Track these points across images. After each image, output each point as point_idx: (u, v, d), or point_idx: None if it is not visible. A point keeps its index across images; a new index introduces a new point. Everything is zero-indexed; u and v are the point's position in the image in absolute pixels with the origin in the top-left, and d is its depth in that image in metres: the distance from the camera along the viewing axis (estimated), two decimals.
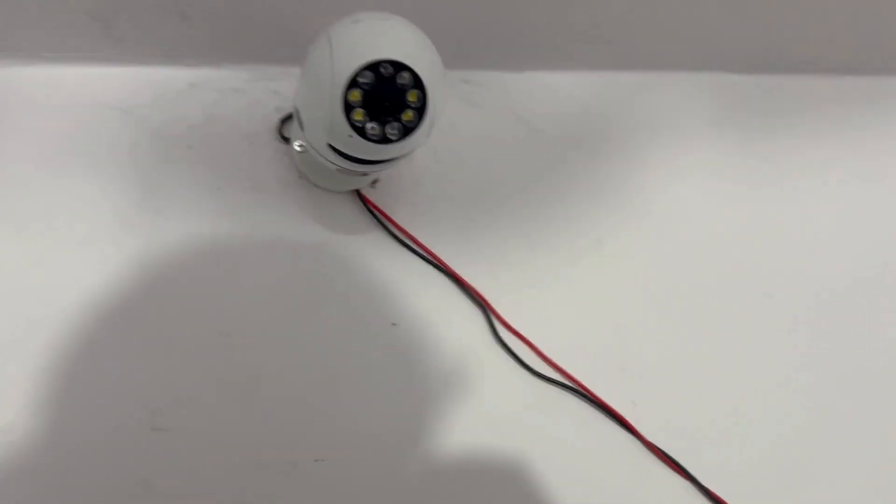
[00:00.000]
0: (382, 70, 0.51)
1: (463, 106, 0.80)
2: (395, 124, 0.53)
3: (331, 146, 0.56)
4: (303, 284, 0.71)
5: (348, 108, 0.52)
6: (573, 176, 0.80)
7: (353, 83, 0.51)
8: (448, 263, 0.74)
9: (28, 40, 0.67)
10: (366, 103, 0.52)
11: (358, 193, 0.74)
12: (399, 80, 0.52)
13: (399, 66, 0.51)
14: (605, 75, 0.83)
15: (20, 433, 0.60)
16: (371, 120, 0.53)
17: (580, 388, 0.74)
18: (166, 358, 0.66)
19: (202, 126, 0.72)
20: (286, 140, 0.73)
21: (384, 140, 0.54)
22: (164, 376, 0.65)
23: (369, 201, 0.74)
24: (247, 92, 0.74)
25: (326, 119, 0.53)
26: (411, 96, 0.53)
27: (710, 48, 0.83)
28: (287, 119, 0.74)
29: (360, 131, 0.53)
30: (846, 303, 0.83)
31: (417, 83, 0.52)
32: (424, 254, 0.75)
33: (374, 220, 0.74)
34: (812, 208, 0.85)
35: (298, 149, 0.67)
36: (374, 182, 0.74)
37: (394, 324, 0.72)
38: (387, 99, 0.52)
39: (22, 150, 0.68)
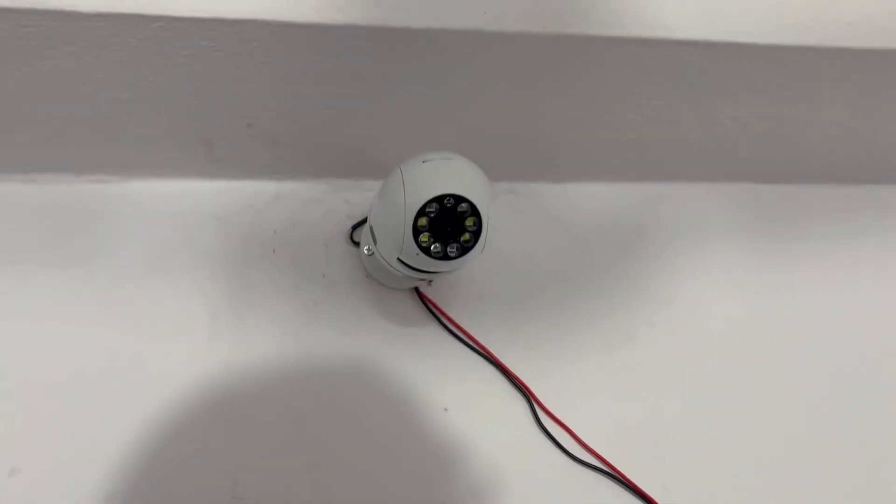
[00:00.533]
0: (446, 202, 0.62)
1: (509, 213, 0.90)
2: (455, 245, 0.64)
3: (400, 260, 0.66)
4: (367, 371, 0.80)
5: (417, 231, 0.63)
6: (608, 276, 0.89)
7: (421, 212, 0.62)
8: (494, 353, 0.83)
9: (144, 160, 0.80)
10: (431, 228, 0.63)
11: (416, 290, 0.84)
12: (459, 209, 0.63)
13: (459, 199, 0.62)
14: (636, 186, 0.93)
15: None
16: (435, 241, 0.63)
17: (615, 473, 0.81)
18: (247, 441, 0.75)
19: (285, 231, 0.83)
20: (356, 244, 0.84)
21: (445, 257, 0.64)
22: (245, 456, 0.74)
23: (426, 297, 0.84)
24: (324, 202, 0.85)
25: (398, 239, 0.64)
26: (469, 222, 0.63)
27: (728, 162, 0.92)
28: (357, 226, 0.85)
29: (426, 251, 0.63)
30: (861, 391, 0.89)
31: (474, 212, 0.63)
32: (473, 344, 0.84)
33: (430, 314, 0.84)
34: (823, 304, 0.93)
35: (367, 252, 0.78)
36: (430, 280, 0.84)
37: (446, 409, 0.80)
38: (449, 224, 0.63)
39: (133, 252, 0.80)
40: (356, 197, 0.86)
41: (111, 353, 0.75)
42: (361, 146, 0.81)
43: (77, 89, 0.69)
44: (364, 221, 0.85)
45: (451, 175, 0.63)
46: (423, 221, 0.62)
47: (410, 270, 0.68)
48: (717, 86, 0.77)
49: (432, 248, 0.63)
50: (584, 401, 0.83)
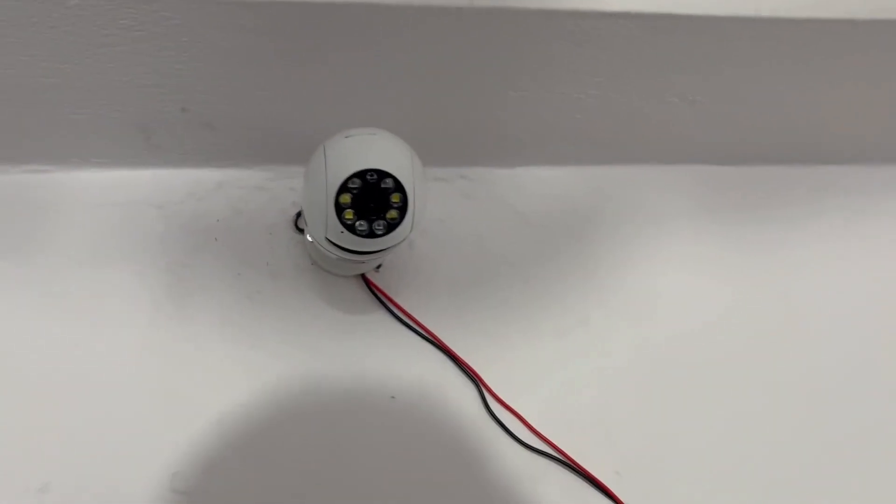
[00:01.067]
0: (368, 177, 0.60)
1: (460, 198, 0.89)
2: (381, 222, 0.62)
3: (328, 239, 0.65)
4: (313, 361, 0.78)
5: (340, 208, 0.61)
6: (560, 260, 0.88)
7: (343, 188, 0.61)
8: (443, 340, 0.81)
9: (81, 149, 0.79)
10: (355, 204, 0.61)
11: (363, 277, 0.82)
12: (383, 185, 0.61)
13: (383, 174, 0.61)
14: (590, 170, 0.91)
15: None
16: (360, 218, 0.62)
17: (566, 459, 0.79)
18: (188, 430, 0.73)
19: (228, 219, 0.82)
20: (301, 231, 0.83)
21: (371, 235, 0.62)
22: (187, 448, 0.72)
23: (373, 284, 0.82)
24: (267, 189, 0.84)
25: (322, 217, 0.62)
26: (394, 198, 0.62)
27: (679, 143, 0.91)
28: (301, 213, 0.83)
29: (351, 228, 0.62)
30: (825, 378, 0.87)
31: (398, 187, 0.61)
32: (422, 331, 0.82)
33: (378, 302, 0.82)
34: (788, 291, 0.91)
35: (310, 239, 0.77)
36: (378, 267, 0.82)
37: (393, 397, 0.79)
38: (373, 200, 0.61)
39: (71, 241, 0.78)
40: (301, 185, 0.84)
41: (51, 345, 0.74)
42: (302, 131, 0.80)
43: (2, 73, 0.68)
44: None
45: (375, 150, 0.62)
46: (345, 198, 0.61)
47: (341, 251, 0.66)
48: (658, 61, 0.76)
49: (357, 224, 0.62)
50: (536, 387, 0.82)
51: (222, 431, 0.74)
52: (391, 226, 0.62)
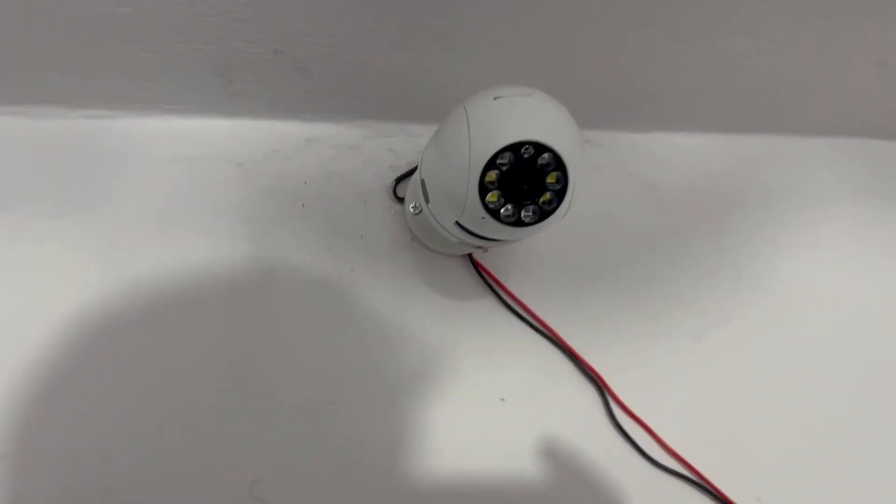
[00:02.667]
0: (524, 152, 0.48)
1: (584, 167, 0.75)
2: (532, 207, 0.49)
3: (459, 224, 0.53)
4: (411, 351, 0.67)
5: (483, 189, 0.49)
6: (698, 245, 0.75)
7: (490, 164, 0.48)
8: (561, 335, 0.70)
9: (149, 92, 0.67)
10: (502, 185, 0.49)
11: (470, 257, 0.70)
12: (540, 162, 0.48)
13: (541, 148, 0.48)
14: (739, 139, 0.77)
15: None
16: (507, 202, 0.49)
17: (701, 481, 0.68)
18: (272, 424, 0.63)
19: (316, 183, 0.70)
20: (400, 200, 0.71)
21: (518, 223, 0.50)
22: (266, 445, 0.63)
23: (481, 266, 0.71)
24: (363, 149, 0.72)
25: (459, 199, 0.50)
26: (551, 178, 0.49)
27: (855, 113, 0.76)
28: (402, 179, 0.71)
29: (495, 214, 0.49)
30: None
31: (559, 165, 0.48)
32: (536, 323, 0.71)
33: (485, 286, 0.71)
34: None
35: (413, 211, 0.65)
36: (487, 247, 0.70)
37: (503, 399, 0.68)
38: (526, 181, 0.48)
39: (136, 200, 0.67)
40: (401, 144, 0.72)
41: (114, 317, 0.63)
42: (412, 82, 0.67)
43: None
44: (411, 173, 0.71)
45: (532, 116, 0.49)
46: (491, 176, 0.48)
47: (470, 237, 0.54)
48: (852, 12, 0.61)
49: (502, 210, 0.49)
50: (667, 395, 0.71)
51: (304, 428, 0.63)
52: (544, 213, 0.50)
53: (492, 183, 0.49)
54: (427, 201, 0.56)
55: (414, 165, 0.71)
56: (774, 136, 0.78)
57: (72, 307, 0.63)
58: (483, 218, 0.50)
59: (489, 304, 0.71)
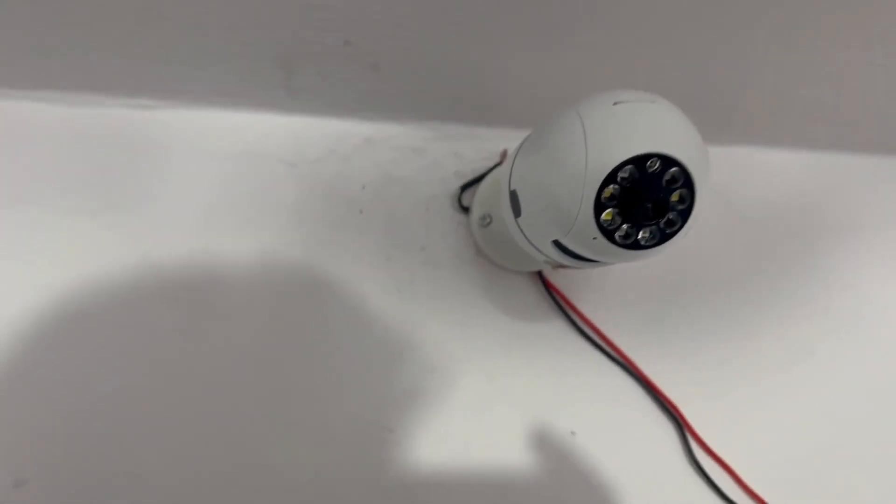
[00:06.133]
0: (649, 166, 0.42)
1: None
2: (652, 228, 0.43)
3: (558, 244, 0.46)
4: (475, 374, 0.62)
5: (599, 206, 0.42)
6: (783, 270, 0.69)
7: (610, 178, 0.42)
8: (636, 363, 0.64)
9: (199, 83, 0.61)
10: (621, 202, 0.43)
11: (540, 275, 0.65)
12: (666, 178, 0.42)
13: (669, 162, 0.42)
14: (830, 157, 0.72)
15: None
16: (623, 222, 0.43)
17: None
18: (321, 447, 0.57)
19: (376, 187, 0.64)
20: (465, 210, 0.65)
21: (634, 245, 0.44)
22: (317, 469, 0.57)
23: (552, 285, 0.65)
24: (426, 152, 0.66)
25: (568, 216, 0.44)
26: (675, 196, 0.43)
27: None
28: (468, 186, 0.65)
29: (608, 234, 0.43)
30: None
31: (687, 181, 0.42)
32: (610, 350, 0.65)
33: (556, 307, 0.65)
34: None
35: (481, 222, 0.59)
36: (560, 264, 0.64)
37: (573, 433, 0.62)
38: (648, 198, 0.42)
39: (180, 199, 0.61)
40: (468, 149, 0.66)
41: (151, 327, 0.57)
42: (490, 81, 0.61)
43: None
44: (478, 181, 0.65)
45: (659, 126, 0.43)
46: (609, 191, 0.42)
47: (567, 257, 0.48)
48: None
49: (618, 231, 0.43)
50: (749, 431, 0.65)
51: (362, 456, 0.57)
52: (665, 235, 0.44)
53: (608, 199, 0.43)
54: (517, 215, 0.50)
55: (480, 172, 0.66)
56: (869, 155, 0.72)
57: (107, 316, 0.56)
58: (595, 238, 0.44)
59: (560, 326, 0.65)
